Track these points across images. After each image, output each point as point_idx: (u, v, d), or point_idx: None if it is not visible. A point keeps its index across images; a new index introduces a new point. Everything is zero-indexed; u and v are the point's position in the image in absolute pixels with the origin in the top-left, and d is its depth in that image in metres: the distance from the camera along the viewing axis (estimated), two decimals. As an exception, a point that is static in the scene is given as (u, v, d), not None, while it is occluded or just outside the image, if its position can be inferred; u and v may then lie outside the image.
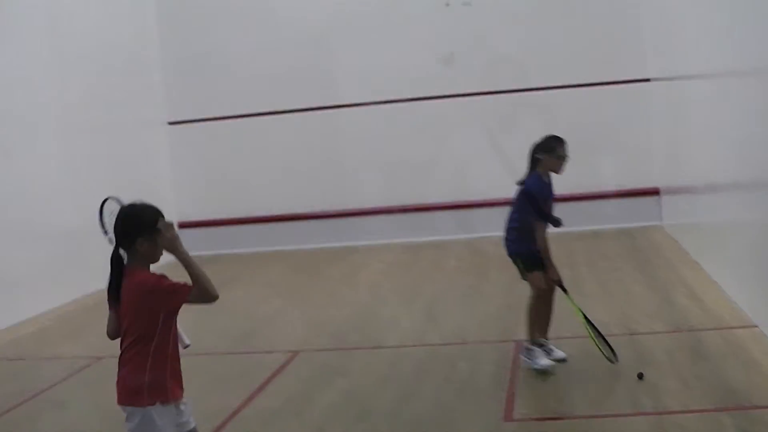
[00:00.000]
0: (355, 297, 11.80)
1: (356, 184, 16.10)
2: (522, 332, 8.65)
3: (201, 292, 4.73)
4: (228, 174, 16.73)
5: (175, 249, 4.73)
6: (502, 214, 14.47)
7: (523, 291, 10.83)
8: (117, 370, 4.82)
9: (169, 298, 4.71)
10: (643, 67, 14.92)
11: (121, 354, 4.82)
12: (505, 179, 14.51)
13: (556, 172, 7.92)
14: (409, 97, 15.81)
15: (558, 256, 12.98)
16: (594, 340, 7.64)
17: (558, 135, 7.90)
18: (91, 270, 13.44)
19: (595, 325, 7.75)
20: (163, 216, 4.80)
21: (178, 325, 4.90)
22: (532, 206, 7.77)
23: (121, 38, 15.37)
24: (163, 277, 4.74)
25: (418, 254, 14.31)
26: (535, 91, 15.36)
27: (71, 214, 13.12)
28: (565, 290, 7.95)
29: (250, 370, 8.56)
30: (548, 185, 7.94)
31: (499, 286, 11.30)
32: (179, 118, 16.81)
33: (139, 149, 15.83)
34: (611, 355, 7.53)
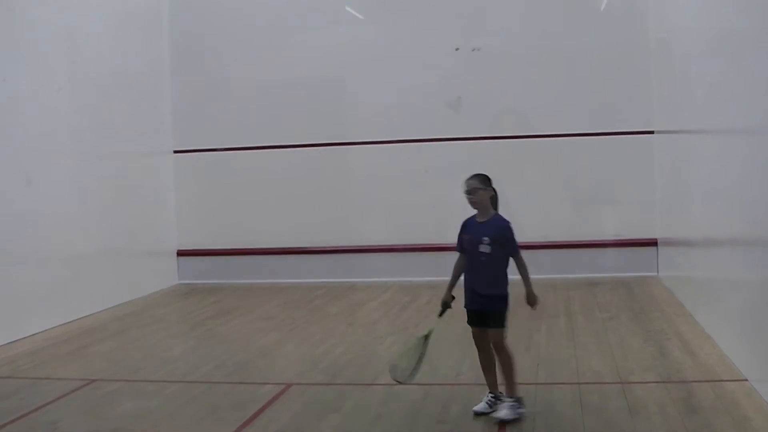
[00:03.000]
0: (351, 334, 11.82)
1: (359, 222, 16.20)
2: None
3: None
4: (231, 205, 16.83)
5: None
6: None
7: (518, 335, 10.91)
8: None
9: None
10: (648, 119, 15.03)
11: None
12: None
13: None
14: (417, 138, 15.94)
15: (555, 304, 13.16)
16: (415, 358, 7.70)
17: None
18: (90, 293, 13.64)
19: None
20: None
21: None
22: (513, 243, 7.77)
23: (134, 67, 15.58)
24: None
25: (417, 294, 14.34)
26: (541, 138, 15.48)
27: (76, 238, 13.31)
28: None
29: (243, 401, 8.57)
30: None
31: (494, 330, 11.36)
32: (185, 147, 16.93)
33: (145, 177, 15.95)
34: (408, 376, 7.59)
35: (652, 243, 15.11)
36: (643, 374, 8.94)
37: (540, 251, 14.62)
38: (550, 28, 15.65)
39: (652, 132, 15.02)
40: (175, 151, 16.94)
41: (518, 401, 7.62)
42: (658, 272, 14.93)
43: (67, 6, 13.58)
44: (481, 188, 7.69)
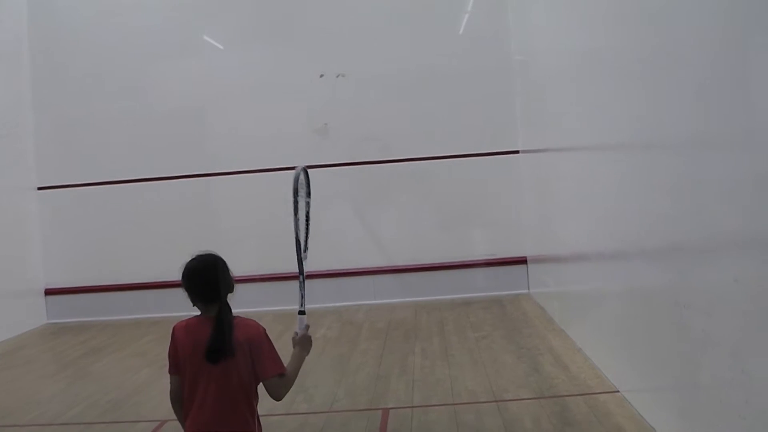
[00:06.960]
0: (225, 365, 11.69)
1: (228, 252, 15.88)
2: (391, 401, 8.73)
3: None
4: (99, 241, 16.47)
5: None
6: (374, 283, 14.74)
7: (392, 358, 10.95)
8: None
9: None
10: (514, 139, 15.27)
11: None
12: (374, 248, 14.88)
13: None
14: (283, 166, 15.84)
15: (429, 325, 13.21)
16: None
17: None
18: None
19: None
20: None
21: None
22: None
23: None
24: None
25: (290, 323, 14.20)
26: (409, 162, 15.57)
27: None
28: None
29: (117, 440, 8.43)
30: None
31: (368, 355, 11.35)
32: (50, 183, 16.54)
33: (9, 214, 15.50)
34: None
35: (522, 261, 15.32)
36: (518, 391, 9.05)
37: (411, 274, 14.70)
38: (414, 52, 15.76)
39: (517, 152, 15.26)
40: (40, 188, 16.53)
41: None
42: (529, 289, 15.14)
43: None
44: None
